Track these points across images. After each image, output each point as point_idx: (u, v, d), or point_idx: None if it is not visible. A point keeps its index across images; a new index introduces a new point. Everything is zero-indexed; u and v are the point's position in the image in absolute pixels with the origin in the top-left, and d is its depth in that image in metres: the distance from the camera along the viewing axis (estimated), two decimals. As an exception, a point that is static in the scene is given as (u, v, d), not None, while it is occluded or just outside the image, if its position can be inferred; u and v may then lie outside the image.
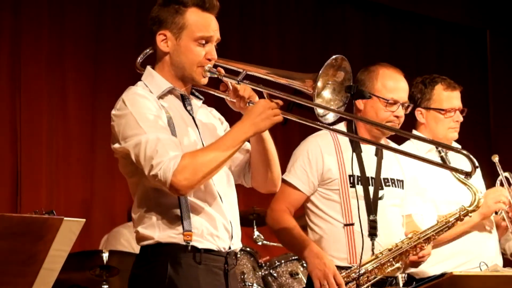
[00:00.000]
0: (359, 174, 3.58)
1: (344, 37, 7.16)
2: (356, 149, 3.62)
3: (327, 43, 7.04)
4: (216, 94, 3.05)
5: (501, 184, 4.24)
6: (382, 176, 3.64)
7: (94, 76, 5.80)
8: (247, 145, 3.07)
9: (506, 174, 4.24)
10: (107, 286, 4.55)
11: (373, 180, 3.61)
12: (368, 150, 3.65)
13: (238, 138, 2.85)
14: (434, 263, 4.02)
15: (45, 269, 2.94)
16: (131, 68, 5.85)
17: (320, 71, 2.84)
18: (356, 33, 7.24)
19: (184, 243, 2.87)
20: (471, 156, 2.80)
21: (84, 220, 3.02)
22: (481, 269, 3.77)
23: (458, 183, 3.93)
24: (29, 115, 5.47)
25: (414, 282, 3.94)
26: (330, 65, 2.89)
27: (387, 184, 3.65)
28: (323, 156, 3.58)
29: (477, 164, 2.81)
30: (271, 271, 4.95)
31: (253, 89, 2.99)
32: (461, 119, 4.20)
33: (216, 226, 2.93)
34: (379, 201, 3.58)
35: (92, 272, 4.56)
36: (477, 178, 4.22)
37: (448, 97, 4.20)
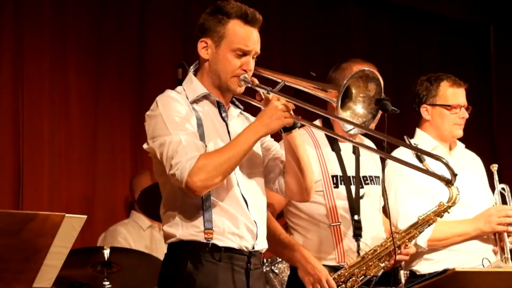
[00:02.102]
0: (341, 174, 3.57)
1: (346, 34, 7.15)
2: (335, 148, 3.60)
3: (329, 40, 7.02)
4: (253, 103, 3.14)
5: (502, 198, 4.22)
6: (361, 174, 3.63)
7: (96, 74, 5.79)
8: (282, 156, 3.15)
9: (502, 185, 4.23)
10: (109, 283, 4.55)
11: (353, 179, 3.60)
12: (346, 148, 3.64)
13: (250, 139, 2.93)
14: (437, 261, 4.02)
15: (46, 265, 2.95)
16: (133, 66, 5.92)
17: (344, 83, 2.95)
18: (359, 30, 7.23)
19: (204, 241, 2.95)
20: (450, 165, 2.87)
21: (86, 216, 3.04)
22: (483, 265, 3.77)
23: (466, 184, 3.91)
24: (31, 113, 5.46)
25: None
26: (357, 77, 2.96)
27: (366, 182, 3.65)
28: None
29: (456, 172, 2.89)
30: (272, 267, 4.94)
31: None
32: (466, 115, 4.22)
33: (238, 226, 3.00)
34: (361, 200, 3.58)
35: (93, 268, 4.57)
36: (483, 183, 4.21)
37: (453, 93, 4.21)
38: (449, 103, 4.18)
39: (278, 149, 3.21)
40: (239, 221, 2.99)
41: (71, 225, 2.95)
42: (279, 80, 3.10)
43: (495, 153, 7.04)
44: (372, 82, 3.01)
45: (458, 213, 4.01)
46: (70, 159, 5.60)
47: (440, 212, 3.62)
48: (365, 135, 3.80)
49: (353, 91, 2.99)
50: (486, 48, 7.81)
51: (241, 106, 3.22)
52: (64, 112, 5.61)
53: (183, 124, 2.95)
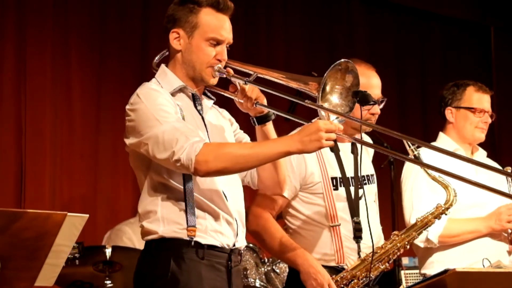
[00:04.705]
0: (340, 176, 3.55)
1: (349, 33, 7.16)
2: (334, 148, 3.58)
3: (333, 40, 7.04)
4: (225, 94, 3.09)
5: None
6: (359, 174, 3.62)
7: (98, 71, 5.80)
8: None
9: None
10: (110, 282, 4.56)
11: (352, 180, 3.59)
12: (344, 148, 3.62)
13: (278, 148, 2.82)
14: (449, 262, 4.02)
15: (48, 264, 2.95)
16: (136, 63, 5.93)
17: (325, 75, 2.87)
18: (361, 29, 7.24)
19: (187, 238, 2.90)
20: None
21: (88, 215, 3.04)
22: (484, 266, 3.78)
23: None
24: (33, 110, 5.47)
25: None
26: (336, 69, 2.91)
27: (364, 182, 3.63)
28: (306, 160, 3.51)
29: None
30: (273, 267, 4.94)
31: (261, 90, 3.02)
32: (489, 121, 4.30)
33: (221, 223, 2.96)
34: (360, 201, 3.57)
35: (95, 267, 4.57)
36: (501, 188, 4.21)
37: (479, 98, 4.30)
38: (474, 106, 4.27)
39: (249, 141, 3.18)
40: (221, 217, 2.95)
41: (73, 224, 2.95)
42: (251, 72, 3.02)
43: (495, 153, 7.04)
44: (349, 74, 2.94)
45: (472, 213, 4.11)
46: (72, 157, 5.61)
47: (438, 214, 3.63)
48: (368, 134, 3.80)
49: (329, 82, 2.91)
50: (487, 49, 7.82)
51: (213, 98, 3.15)
52: (66, 109, 5.62)
53: (171, 113, 2.88)
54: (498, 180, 4.20)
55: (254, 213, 3.55)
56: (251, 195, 3.65)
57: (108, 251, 4.49)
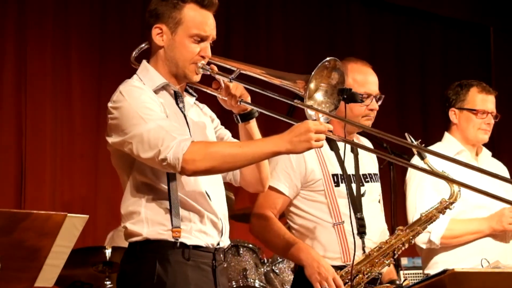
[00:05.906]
0: (341, 173, 3.54)
1: (349, 34, 7.17)
2: (334, 146, 3.60)
3: (332, 40, 7.05)
4: (208, 91, 3.04)
5: None
6: (361, 173, 3.63)
7: (98, 72, 5.81)
8: None
9: None
10: (110, 282, 4.56)
11: (353, 177, 3.60)
12: (344, 147, 3.63)
13: (266, 148, 2.78)
14: (452, 263, 4.02)
15: (48, 264, 2.95)
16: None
17: (312, 73, 2.83)
18: (362, 30, 7.25)
19: (172, 240, 2.86)
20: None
21: (88, 216, 3.04)
22: (482, 266, 3.78)
23: (488, 187, 3.90)
24: (33, 110, 5.48)
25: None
26: (323, 67, 2.87)
27: (367, 180, 3.63)
28: (305, 157, 3.49)
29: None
30: (273, 267, 4.93)
31: (246, 88, 2.98)
32: (492, 122, 4.29)
33: (205, 223, 2.92)
34: (362, 198, 3.57)
35: (95, 268, 4.57)
36: (506, 189, 4.20)
37: (482, 99, 4.29)
38: (476, 108, 4.26)
39: (230, 137, 3.15)
40: (205, 217, 2.91)
41: (73, 225, 2.96)
42: (233, 68, 2.96)
43: (495, 153, 7.04)
44: (335, 72, 2.91)
45: (479, 214, 4.11)
46: (72, 157, 5.61)
47: (442, 208, 3.62)
48: (364, 135, 3.81)
49: (315, 80, 2.87)
50: (487, 49, 7.82)
51: (195, 94, 3.10)
52: (67, 110, 5.63)
53: (155, 111, 2.83)
54: (502, 183, 4.21)
55: (256, 213, 3.54)
56: (251, 195, 3.66)
57: (108, 252, 4.49)
